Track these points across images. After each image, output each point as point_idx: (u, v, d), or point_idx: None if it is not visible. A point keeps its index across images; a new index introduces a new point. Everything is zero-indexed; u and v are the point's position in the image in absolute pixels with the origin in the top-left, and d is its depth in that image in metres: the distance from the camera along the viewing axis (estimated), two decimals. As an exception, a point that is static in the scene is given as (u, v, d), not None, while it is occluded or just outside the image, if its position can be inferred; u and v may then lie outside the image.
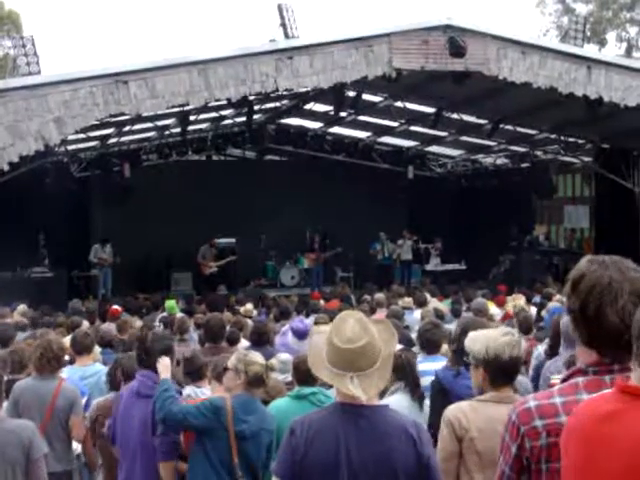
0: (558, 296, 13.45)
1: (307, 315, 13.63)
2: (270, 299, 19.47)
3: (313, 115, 25.17)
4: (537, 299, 15.26)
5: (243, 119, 23.42)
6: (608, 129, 22.11)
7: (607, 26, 42.49)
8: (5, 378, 5.67)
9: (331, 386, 4.72)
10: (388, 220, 26.98)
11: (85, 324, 12.88)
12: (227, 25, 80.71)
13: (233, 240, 25.35)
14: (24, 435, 5.17)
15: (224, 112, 22.70)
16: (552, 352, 7.54)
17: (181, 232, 23.88)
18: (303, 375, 6.30)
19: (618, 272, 2.70)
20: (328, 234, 26.26)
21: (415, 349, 8.12)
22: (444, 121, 22.92)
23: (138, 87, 14.77)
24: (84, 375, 8.18)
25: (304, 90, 18.43)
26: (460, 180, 29.68)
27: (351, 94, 20.10)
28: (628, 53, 41.75)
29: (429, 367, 6.90)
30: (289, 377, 7.48)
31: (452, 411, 4.75)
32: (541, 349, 8.46)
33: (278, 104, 23.52)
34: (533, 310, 13.40)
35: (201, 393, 7.21)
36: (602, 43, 42.20)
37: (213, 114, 22.67)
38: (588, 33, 29.44)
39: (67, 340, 8.79)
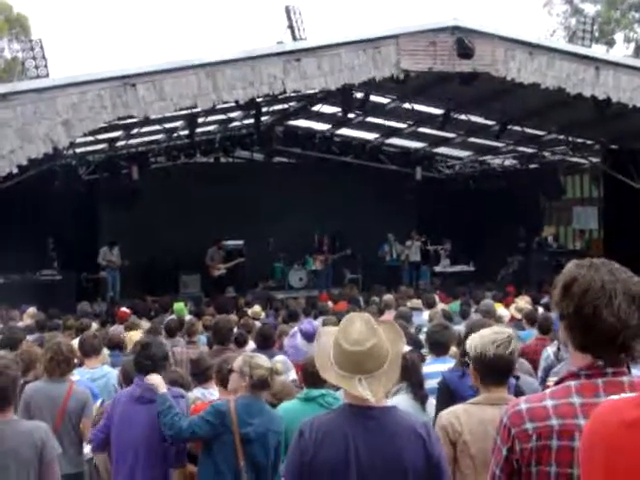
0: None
1: (315, 317, 13.63)
2: (278, 301, 19.48)
3: (321, 117, 25.18)
4: (545, 300, 15.23)
5: (251, 121, 23.43)
6: (616, 130, 22.07)
7: (615, 26, 42.40)
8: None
9: (339, 388, 4.72)
10: (396, 221, 26.99)
11: (94, 326, 12.91)
12: (235, 27, 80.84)
13: (241, 242, 25.39)
14: (37, 436, 5.20)
15: (232, 114, 22.74)
16: (559, 353, 7.54)
17: (189, 234, 23.91)
18: (311, 377, 6.31)
19: (609, 274, 2.73)
20: (337, 235, 26.29)
21: (424, 351, 8.12)
22: (452, 122, 22.90)
23: (146, 90, 14.78)
24: (93, 377, 8.19)
25: (312, 92, 18.45)
26: (468, 181, 29.64)
27: (359, 96, 20.10)
28: (636, 53, 41.65)
29: (437, 369, 6.90)
30: (290, 376, 7.50)
31: (445, 415, 4.76)
32: (550, 350, 8.45)
33: (286, 106, 23.53)
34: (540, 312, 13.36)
35: (209, 394, 7.23)
36: (610, 43, 42.12)
37: (221, 116, 22.70)
38: (596, 33, 29.37)
39: (76, 342, 8.80)
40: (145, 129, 21.95)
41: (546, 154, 26.90)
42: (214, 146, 25.95)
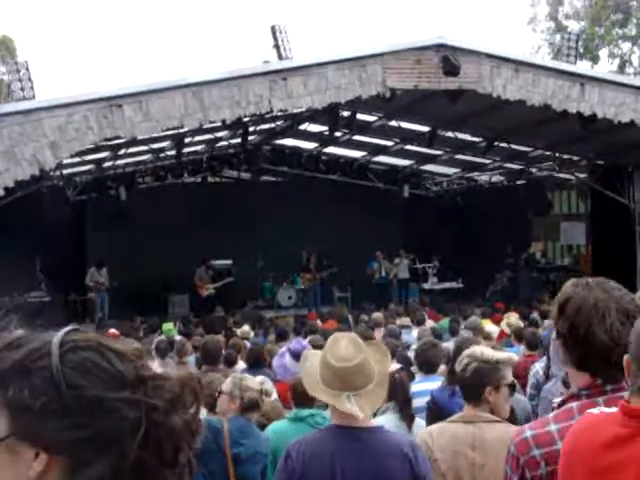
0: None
1: (305, 336, 13.60)
2: (267, 320, 19.43)
3: (308, 135, 25.21)
4: (534, 316, 15.26)
5: (238, 140, 23.47)
6: (602, 145, 22.15)
7: (600, 43, 42.63)
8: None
9: (328, 407, 4.72)
10: (384, 239, 27.00)
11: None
12: (221, 47, 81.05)
13: (229, 262, 25.37)
14: None
15: (219, 134, 22.74)
16: (547, 370, 7.52)
17: (177, 254, 23.87)
18: (300, 397, 6.28)
19: (602, 292, 2.74)
20: (324, 254, 26.28)
21: (413, 369, 8.10)
22: (439, 140, 22.97)
23: (132, 110, 14.78)
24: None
25: (298, 111, 18.45)
26: (456, 198, 29.73)
27: (345, 114, 20.14)
28: (621, 69, 41.85)
29: (426, 387, 6.88)
30: (271, 397, 7.47)
31: (421, 435, 4.78)
32: (538, 366, 8.42)
33: (273, 125, 23.55)
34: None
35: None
36: (595, 60, 42.32)
37: (208, 136, 22.70)
38: (581, 50, 29.49)
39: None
40: (132, 149, 21.94)
41: (533, 170, 26.96)
42: (201, 166, 25.97)
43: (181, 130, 18.06)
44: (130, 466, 1.52)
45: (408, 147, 25.61)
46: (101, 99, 14.72)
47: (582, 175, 26.06)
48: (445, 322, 15.46)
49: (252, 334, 15.54)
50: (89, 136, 14.69)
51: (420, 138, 23.48)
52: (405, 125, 22.89)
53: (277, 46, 16.37)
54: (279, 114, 19.07)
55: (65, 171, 22.31)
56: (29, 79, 14.40)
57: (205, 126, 17.15)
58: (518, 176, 27.62)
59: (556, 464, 2.58)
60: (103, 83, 76.78)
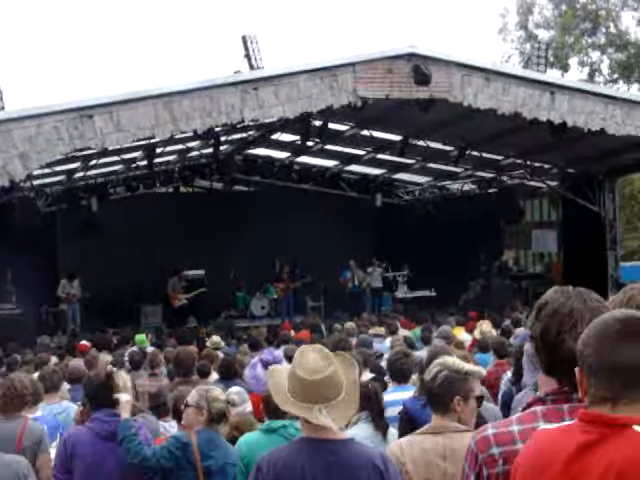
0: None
1: (277, 346, 13.56)
2: (240, 330, 19.38)
3: (280, 145, 25.23)
4: (507, 324, 15.28)
5: (210, 150, 23.43)
6: (573, 153, 22.31)
7: (569, 51, 42.88)
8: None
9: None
10: (357, 248, 27.01)
11: (53, 360, 12.75)
12: (191, 57, 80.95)
13: (202, 272, 25.30)
14: (20, 469, 5.20)
15: (190, 144, 22.70)
16: (515, 379, 7.54)
17: (150, 265, 23.80)
18: (273, 408, 6.27)
19: (580, 301, 2.75)
20: (298, 263, 26.26)
21: (386, 378, 8.10)
22: (411, 148, 23.03)
23: (103, 121, 14.72)
24: (52, 413, 8.06)
25: (270, 120, 18.46)
26: (428, 207, 29.77)
27: (317, 123, 20.14)
28: (591, 78, 42.11)
29: (399, 397, 6.88)
30: (247, 408, 7.45)
31: (391, 447, 4.78)
32: (510, 375, 8.44)
33: (245, 135, 23.53)
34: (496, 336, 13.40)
35: (170, 427, 7.15)
36: (565, 68, 42.55)
37: (180, 146, 22.65)
38: (550, 59, 29.68)
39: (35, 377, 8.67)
40: (103, 160, 21.85)
41: (505, 178, 27.07)
42: (173, 176, 25.92)
43: (152, 140, 18.02)
44: None
45: (380, 156, 25.67)
46: (71, 110, 14.66)
47: (553, 183, 26.23)
48: (418, 331, 15.47)
49: (223, 344, 15.46)
50: (59, 147, 14.62)
51: (392, 147, 23.56)
52: (377, 134, 22.95)
53: (248, 56, 16.37)
54: (251, 124, 19.08)
55: (35, 182, 22.17)
56: (-2, 90, 14.32)
57: (177, 136, 17.12)
58: (490, 184, 27.71)
59: (513, 464, 2.59)
60: (73, 94, 76.55)
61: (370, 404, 6.09)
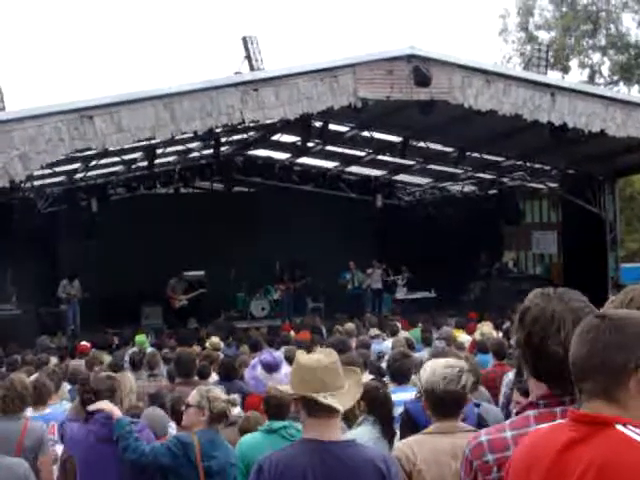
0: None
1: (277, 347, 13.55)
2: (241, 331, 19.36)
3: (280, 146, 25.23)
4: (507, 325, 15.28)
5: (210, 151, 23.41)
6: (573, 155, 22.30)
7: (570, 53, 42.91)
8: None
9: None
10: (357, 249, 26.98)
11: (53, 361, 12.75)
12: (192, 58, 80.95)
13: (202, 272, 25.28)
14: (21, 472, 5.21)
15: (191, 145, 22.70)
16: (517, 380, 7.54)
17: (150, 266, 23.79)
18: (274, 409, 6.28)
19: (561, 303, 2.73)
20: (298, 264, 26.24)
21: (386, 379, 8.09)
22: (411, 150, 23.02)
23: (104, 122, 14.72)
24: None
25: (271, 121, 18.45)
26: (428, 208, 29.76)
27: (318, 124, 20.13)
28: (591, 79, 42.13)
29: (399, 397, 6.85)
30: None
31: (399, 447, 4.77)
32: (511, 376, 8.44)
33: (245, 136, 23.54)
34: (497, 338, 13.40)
35: (170, 429, 7.15)
36: (565, 70, 42.58)
37: (180, 147, 22.65)
38: (551, 60, 29.66)
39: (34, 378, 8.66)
40: (104, 161, 21.85)
41: (505, 180, 27.08)
42: (174, 177, 25.89)
43: (153, 141, 18.01)
44: None
45: (380, 157, 25.66)
46: (72, 110, 14.66)
47: (553, 185, 26.22)
48: (415, 332, 15.47)
49: (222, 345, 15.45)
50: (60, 148, 14.63)
51: (392, 148, 23.53)
52: (377, 135, 22.93)
53: (249, 57, 16.40)
54: (251, 125, 19.06)
55: (36, 183, 22.17)
56: (-1, 90, 14.33)
57: (177, 137, 17.11)
58: (490, 186, 27.73)
59: None
60: (74, 94, 76.50)
61: (379, 408, 6.01)
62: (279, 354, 11.10)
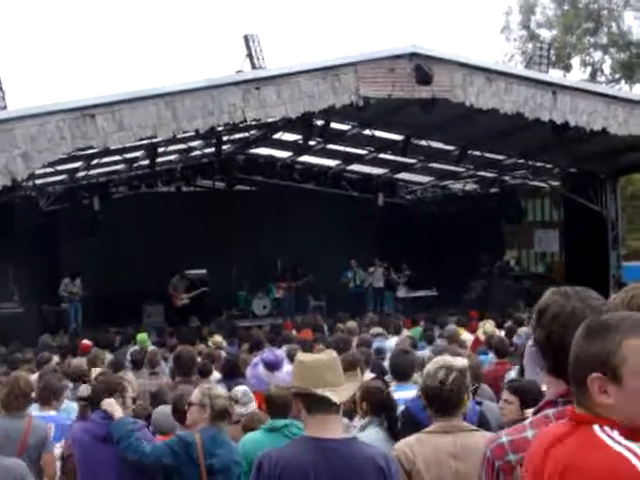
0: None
1: (279, 346, 13.55)
2: (242, 330, 19.36)
3: (282, 144, 25.21)
4: (509, 324, 15.29)
5: (212, 150, 23.41)
6: (575, 153, 22.28)
7: (571, 51, 42.92)
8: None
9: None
10: (359, 248, 27.00)
11: (54, 359, 12.76)
12: (193, 57, 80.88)
13: (204, 271, 25.29)
14: (18, 472, 5.20)
15: (192, 143, 22.68)
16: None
17: (152, 264, 23.77)
18: (276, 407, 6.27)
19: (580, 301, 2.76)
20: (299, 263, 26.25)
21: (388, 377, 8.08)
22: (413, 148, 23.00)
23: (105, 120, 14.72)
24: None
25: (272, 120, 18.44)
26: (430, 206, 29.74)
27: (319, 123, 20.11)
28: (592, 77, 42.15)
29: (401, 396, 6.85)
30: (250, 408, 7.42)
31: (399, 446, 4.77)
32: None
33: (246, 134, 23.51)
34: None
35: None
36: (567, 68, 42.60)
37: (182, 145, 22.63)
38: (553, 58, 29.67)
39: (35, 376, 8.67)
40: (105, 159, 21.85)
41: (506, 178, 27.07)
42: (175, 175, 25.85)
43: (154, 140, 18.00)
44: None
45: (382, 156, 25.64)
46: (74, 109, 14.65)
47: (555, 183, 26.22)
48: (417, 330, 15.48)
49: (224, 344, 15.46)
50: (62, 146, 14.62)
51: (394, 147, 23.51)
52: (379, 134, 22.92)
53: (250, 55, 16.40)
54: (253, 123, 19.05)
55: (38, 181, 22.17)
56: (1, 89, 14.35)
57: (179, 136, 17.10)
58: (492, 184, 27.72)
59: None
60: (76, 93, 76.49)
61: (385, 410, 5.98)
62: (281, 352, 11.11)
